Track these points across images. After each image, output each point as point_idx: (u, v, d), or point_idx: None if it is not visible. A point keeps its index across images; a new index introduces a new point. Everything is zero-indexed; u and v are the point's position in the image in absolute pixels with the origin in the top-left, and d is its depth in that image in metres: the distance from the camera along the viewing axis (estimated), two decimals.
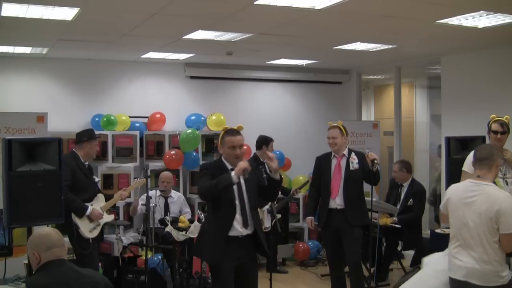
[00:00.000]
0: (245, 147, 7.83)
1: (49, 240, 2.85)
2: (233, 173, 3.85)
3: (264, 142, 7.02)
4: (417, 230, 6.57)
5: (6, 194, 4.20)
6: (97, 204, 5.28)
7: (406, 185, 6.69)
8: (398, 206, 6.60)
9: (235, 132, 4.11)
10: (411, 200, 6.57)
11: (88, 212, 5.09)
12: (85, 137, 5.33)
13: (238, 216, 4.02)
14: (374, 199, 5.68)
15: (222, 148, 4.12)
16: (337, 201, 5.35)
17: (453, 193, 3.74)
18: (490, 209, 3.45)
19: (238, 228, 4.02)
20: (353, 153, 5.41)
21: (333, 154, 5.45)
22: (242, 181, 4.03)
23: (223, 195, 3.97)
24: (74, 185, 5.06)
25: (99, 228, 5.22)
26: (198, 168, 3.98)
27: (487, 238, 3.47)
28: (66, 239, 5.27)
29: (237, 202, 4.03)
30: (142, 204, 6.19)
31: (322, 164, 5.49)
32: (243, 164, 3.88)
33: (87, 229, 5.09)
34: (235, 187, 3.98)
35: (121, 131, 7.37)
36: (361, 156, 5.38)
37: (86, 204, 5.14)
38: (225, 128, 4.15)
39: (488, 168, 3.62)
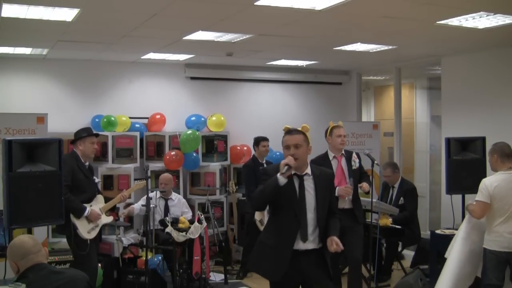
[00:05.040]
0: (245, 148, 7.98)
1: (23, 249, 2.91)
2: (279, 174, 3.50)
3: (255, 142, 7.06)
4: (415, 226, 6.60)
5: (6, 195, 4.19)
6: (96, 205, 5.26)
7: (396, 185, 6.76)
8: None
9: (293, 131, 3.71)
10: (401, 198, 6.61)
11: (86, 213, 5.07)
12: (77, 136, 5.27)
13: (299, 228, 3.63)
14: (374, 200, 5.69)
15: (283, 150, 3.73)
16: (346, 201, 5.34)
17: (498, 183, 4.60)
18: None
19: (298, 241, 3.63)
20: (354, 153, 5.43)
21: (332, 155, 5.43)
22: (307, 185, 3.65)
23: (281, 202, 3.61)
24: (73, 186, 5.04)
25: (97, 229, 5.20)
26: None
27: None
28: (64, 239, 5.30)
29: (297, 211, 3.62)
30: (142, 205, 6.20)
31: (323, 166, 5.44)
32: (284, 160, 3.54)
33: (85, 230, 5.08)
34: (292, 192, 3.61)
35: (121, 132, 7.37)
36: (359, 157, 5.44)
37: (85, 205, 5.13)
38: (286, 128, 3.80)
39: None
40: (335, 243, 3.59)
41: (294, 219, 3.61)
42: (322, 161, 5.44)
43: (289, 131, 3.72)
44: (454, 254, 4.90)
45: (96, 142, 5.39)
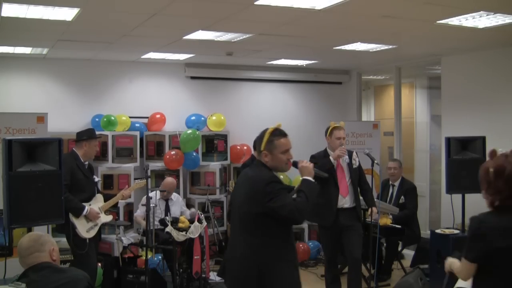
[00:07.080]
0: (245, 148, 7.98)
1: (20, 249, 2.95)
2: (309, 178, 3.65)
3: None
4: (415, 225, 6.62)
5: (6, 195, 4.19)
6: (96, 204, 5.27)
7: (396, 184, 6.78)
8: None
9: (284, 132, 3.65)
10: (402, 197, 6.62)
11: (85, 212, 5.09)
12: (84, 136, 5.32)
13: None
14: (374, 200, 5.69)
15: (270, 154, 3.63)
16: (347, 199, 5.35)
17: None
18: None
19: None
20: (355, 152, 5.44)
21: (331, 153, 5.42)
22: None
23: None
24: (72, 185, 5.06)
25: (96, 228, 5.21)
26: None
27: None
28: (64, 238, 5.30)
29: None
30: (142, 205, 6.20)
31: (323, 162, 5.41)
32: (309, 163, 3.71)
33: (84, 229, 5.09)
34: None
35: (121, 131, 7.37)
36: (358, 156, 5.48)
37: (84, 204, 5.14)
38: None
39: None
40: None
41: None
42: (321, 158, 5.43)
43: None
44: None
45: (97, 145, 5.51)
